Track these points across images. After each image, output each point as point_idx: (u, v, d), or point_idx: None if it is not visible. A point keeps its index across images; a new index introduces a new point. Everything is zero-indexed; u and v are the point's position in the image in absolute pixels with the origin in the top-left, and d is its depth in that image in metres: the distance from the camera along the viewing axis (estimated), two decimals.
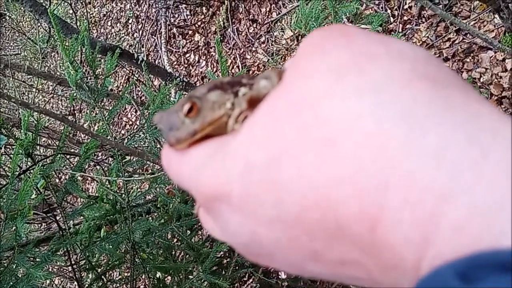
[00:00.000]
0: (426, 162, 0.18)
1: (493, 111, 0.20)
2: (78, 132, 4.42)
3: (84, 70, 1.63)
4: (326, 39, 0.24)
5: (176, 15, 4.25)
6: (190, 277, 1.71)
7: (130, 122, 4.47)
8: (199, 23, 4.08)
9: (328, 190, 0.20)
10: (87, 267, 1.63)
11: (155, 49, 4.37)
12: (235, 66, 3.66)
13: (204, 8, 4.03)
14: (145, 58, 3.36)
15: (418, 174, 0.18)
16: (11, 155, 1.56)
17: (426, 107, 0.19)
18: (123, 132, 4.44)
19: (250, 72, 3.54)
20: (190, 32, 4.13)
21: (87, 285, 1.59)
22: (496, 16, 2.23)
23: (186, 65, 4.08)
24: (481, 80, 2.32)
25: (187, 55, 4.11)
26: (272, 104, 0.24)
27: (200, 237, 2.17)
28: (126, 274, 1.88)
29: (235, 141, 0.24)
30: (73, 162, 2.99)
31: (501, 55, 2.28)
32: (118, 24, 4.96)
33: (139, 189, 2.13)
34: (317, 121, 0.21)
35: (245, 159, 0.22)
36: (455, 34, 2.50)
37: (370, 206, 0.19)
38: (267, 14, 3.56)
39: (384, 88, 0.20)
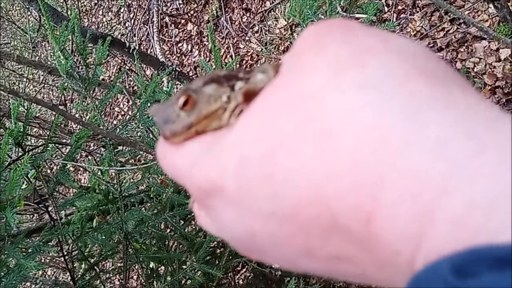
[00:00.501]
0: (426, 155, 0.18)
1: (491, 107, 0.20)
2: (69, 122, 4.37)
3: (75, 60, 1.60)
4: (324, 34, 0.23)
5: (169, 4, 4.20)
6: (184, 267, 1.71)
7: (122, 112, 4.43)
8: (191, 12, 4.04)
9: (324, 184, 0.20)
10: (80, 257, 1.62)
11: (147, 39, 4.32)
12: (228, 56, 3.63)
13: None
14: (137, 47, 3.32)
15: (417, 167, 0.18)
16: (1, 146, 1.53)
17: (426, 102, 0.19)
18: (115, 122, 4.40)
19: (244, 61, 3.51)
20: (182, 21, 4.09)
21: (79, 276, 1.58)
22: (491, 5, 2.22)
23: (178, 55, 4.04)
24: (475, 69, 2.32)
25: (180, 44, 4.07)
26: (268, 97, 0.23)
27: (194, 227, 2.16)
28: (119, 265, 1.88)
29: (230, 135, 0.23)
30: (64, 153, 2.96)
31: (495, 45, 2.28)
32: (109, 13, 4.90)
33: (131, 179, 2.11)
34: (314, 114, 0.21)
35: (240, 153, 0.22)
36: (449, 23, 2.49)
37: (366, 200, 0.19)
38: (260, 3, 3.53)
39: (384, 82, 0.20)
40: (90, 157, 2.66)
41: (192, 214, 1.74)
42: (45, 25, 4.18)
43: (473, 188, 0.17)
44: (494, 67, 2.27)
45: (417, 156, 0.18)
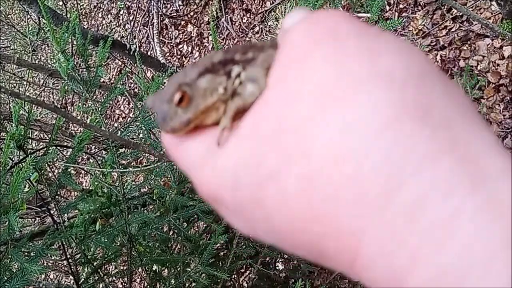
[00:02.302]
0: (400, 218, 0.19)
1: (489, 157, 0.19)
2: (70, 125, 4.36)
3: (75, 62, 1.59)
4: (313, 44, 0.23)
5: (168, 6, 4.19)
6: (188, 269, 1.69)
7: (123, 115, 4.42)
8: (191, 14, 4.03)
9: (309, 223, 0.21)
10: (83, 260, 1.60)
11: (147, 40, 4.31)
12: None
13: None
14: (137, 49, 3.31)
15: (391, 229, 0.19)
16: (3, 149, 1.52)
17: (407, 154, 0.19)
18: (116, 125, 4.39)
19: None
20: (182, 22, 4.08)
21: (83, 279, 1.57)
22: (494, 3, 2.21)
23: (179, 56, 4.03)
24: (478, 68, 2.31)
25: (180, 46, 4.06)
26: (257, 124, 0.24)
27: (197, 229, 2.15)
28: (122, 268, 1.86)
29: (224, 154, 0.24)
30: (66, 156, 2.95)
31: (499, 43, 2.27)
32: (109, 16, 4.89)
33: (134, 182, 2.10)
34: (297, 153, 0.21)
35: (234, 175, 0.23)
36: (451, 21, 2.48)
37: (346, 248, 0.20)
38: (260, 4, 3.52)
39: (368, 125, 0.20)
40: (91, 160, 2.65)
41: (196, 216, 1.73)
42: (45, 27, 4.17)
43: (443, 254, 0.17)
44: (498, 65, 2.26)
45: (392, 217, 0.19)
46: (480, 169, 0.18)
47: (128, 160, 2.03)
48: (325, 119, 0.21)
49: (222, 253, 1.97)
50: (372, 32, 0.23)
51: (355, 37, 0.23)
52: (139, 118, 1.76)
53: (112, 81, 4.55)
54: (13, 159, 1.47)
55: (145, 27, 4.34)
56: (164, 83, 3.20)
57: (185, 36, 4.04)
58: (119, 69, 4.59)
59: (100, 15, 5.01)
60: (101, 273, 1.69)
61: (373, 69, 0.21)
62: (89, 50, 1.72)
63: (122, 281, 1.98)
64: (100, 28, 4.95)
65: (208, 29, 3.82)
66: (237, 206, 0.24)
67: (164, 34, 4.18)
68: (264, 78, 0.25)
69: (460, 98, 0.21)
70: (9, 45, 5.82)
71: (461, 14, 2.39)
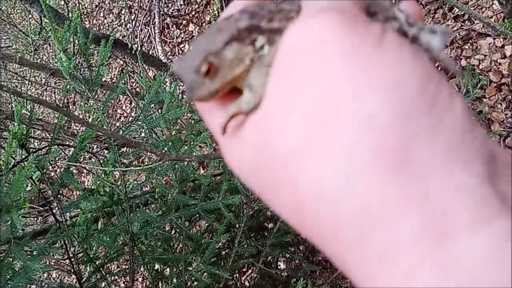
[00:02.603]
0: (371, 262, 0.20)
1: (462, 208, 0.19)
2: (72, 124, 4.36)
3: (76, 62, 1.59)
4: (300, 62, 0.23)
5: (170, 5, 4.19)
6: (190, 268, 1.69)
7: (125, 114, 4.42)
8: (193, 13, 4.03)
9: (303, 231, 0.24)
10: (85, 259, 1.60)
11: (149, 40, 4.31)
12: None
13: None
14: (139, 49, 3.31)
15: (363, 267, 0.20)
16: (6, 148, 1.53)
17: (377, 204, 0.20)
18: (117, 124, 4.39)
19: None
20: (184, 22, 4.08)
21: (85, 278, 1.57)
22: (495, 1, 2.21)
23: (180, 55, 4.03)
24: (480, 67, 2.31)
25: (181, 45, 4.06)
26: (257, 134, 0.25)
27: (199, 228, 2.15)
28: (124, 266, 1.86)
29: (236, 146, 0.27)
30: (68, 155, 2.95)
31: (500, 42, 2.27)
32: (110, 15, 4.89)
33: (136, 181, 2.10)
34: (283, 183, 0.23)
35: (240, 170, 0.27)
36: (453, 21, 2.47)
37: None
38: None
39: (342, 170, 0.21)
40: (93, 159, 2.65)
41: (198, 214, 1.73)
42: (46, 27, 4.17)
43: None
44: (500, 64, 2.26)
45: (363, 257, 0.20)
46: (445, 228, 0.19)
47: (130, 159, 2.03)
48: (309, 156, 0.22)
49: (224, 252, 1.97)
50: (365, 51, 0.22)
51: (342, 63, 0.22)
52: (140, 117, 1.76)
53: (113, 80, 4.56)
54: (16, 158, 1.48)
55: (146, 27, 4.34)
56: (166, 82, 3.19)
57: (187, 36, 4.04)
58: (120, 68, 4.60)
59: (101, 14, 5.01)
60: (103, 272, 1.69)
61: (355, 108, 0.21)
62: (91, 50, 1.72)
63: (124, 280, 1.98)
64: (101, 27, 4.95)
65: None
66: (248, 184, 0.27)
67: (165, 34, 4.18)
68: (266, 81, 0.25)
69: (449, 133, 0.20)
70: (11, 45, 5.82)
71: (462, 13, 2.38)
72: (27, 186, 1.40)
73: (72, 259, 1.52)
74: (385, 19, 0.28)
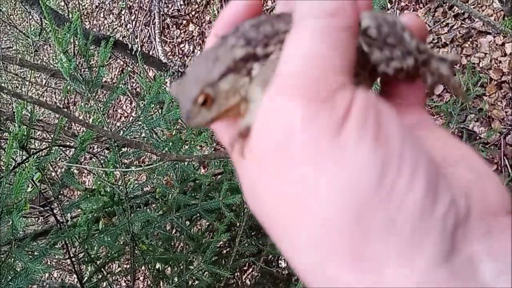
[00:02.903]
0: None
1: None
2: (73, 125, 4.37)
3: (77, 63, 1.59)
4: (275, 147, 0.23)
5: (170, 5, 4.20)
6: (191, 267, 1.70)
7: (125, 114, 4.43)
8: (193, 13, 4.03)
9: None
10: (86, 259, 1.61)
11: (149, 40, 4.31)
12: None
13: None
14: (139, 49, 3.31)
15: None
16: (6, 149, 1.53)
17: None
18: (118, 124, 4.40)
19: None
20: (184, 22, 4.08)
21: (86, 278, 1.57)
22: (495, 0, 2.21)
23: (180, 56, 4.03)
24: (480, 65, 2.30)
25: (182, 45, 4.07)
26: (253, 184, 0.26)
27: (200, 227, 2.15)
28: (125, 266, 1.87)
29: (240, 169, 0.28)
30: (69, 155, 2.96)
31: (500, 40, 2.26)
32: (110, 16, 4.89)
33: (136, 181, 2.10)
34: (301, 201, 0.23)
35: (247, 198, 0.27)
36: (453, 19, 2.47)
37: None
38: (262, 3, 3.51)
39: (310, 260, 0.23)
40: (94, 159, 2.65)
41: (198, 214, 1.74)
42: (46, 28, 4.17)
43: None
44: (500, 61, 2.25)
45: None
46: None
47: (131, 159, 2.03)
48: (285, 232, 0.24)
49: (224, 251, 1.97)
50: (324, 147, 0.22)
51: (303, 157, 0.22)
52: (141, 118, 1.76)
53: (114, 81, 4.56)
54: (16, 159, 1.48)
55: (146, 27, 4.35)
56: (166, 82, 3.19)
57: (187, 36, 4.04)
58: (121, 68, 4.60)
59: (101, 15, 5.01)
60: (104, 272, 1.70)
61: (315, 209, 0.22)
62: (91, 50, 1.72)
63: (125, 279, 1.98)
64: (102, 28, 4.95)
65: (210, 28, 3.82)
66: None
67: (165, 34, 4.18)
68: (262, 98, 0.25)
69: (406, 220, 0.21)
70: (11, 46, 5.83)
71: (462, 11, 2.38)
72: (28, 187, 1.40)
73: (73, 259, 1.52)
74: (402, 56, 0.28)
